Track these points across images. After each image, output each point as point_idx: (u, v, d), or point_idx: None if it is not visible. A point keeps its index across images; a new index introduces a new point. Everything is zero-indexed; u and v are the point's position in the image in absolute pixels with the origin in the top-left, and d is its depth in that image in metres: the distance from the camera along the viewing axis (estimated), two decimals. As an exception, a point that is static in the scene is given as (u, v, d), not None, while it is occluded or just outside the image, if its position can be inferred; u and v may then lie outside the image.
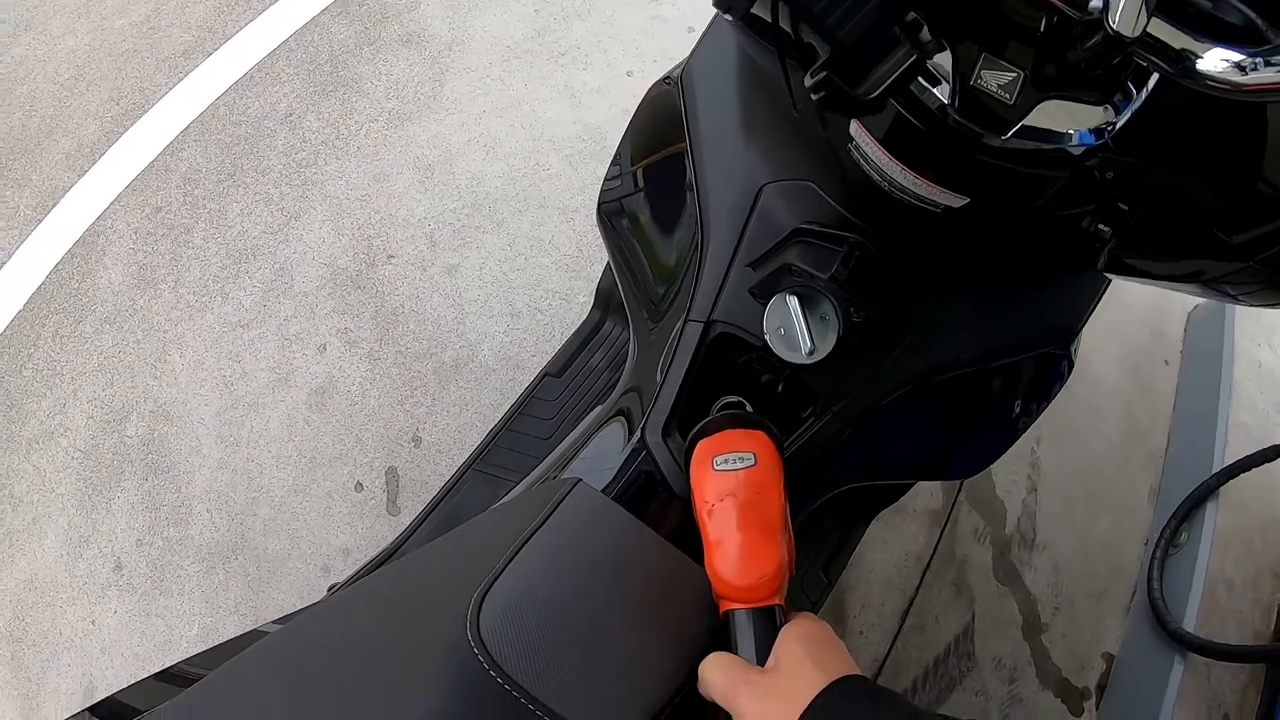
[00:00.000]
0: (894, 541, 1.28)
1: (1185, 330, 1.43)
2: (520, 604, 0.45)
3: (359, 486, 1.28)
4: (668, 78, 0.71)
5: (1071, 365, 0.65)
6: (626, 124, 0.74)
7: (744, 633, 0.44)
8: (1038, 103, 0.36)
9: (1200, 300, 1.43)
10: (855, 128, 0.44)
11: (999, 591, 1.26)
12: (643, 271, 0.69)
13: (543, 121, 1.45)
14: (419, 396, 1.30)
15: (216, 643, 0.60)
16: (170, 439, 1.38)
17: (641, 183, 0.74)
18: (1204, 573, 1.14)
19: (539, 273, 1.34)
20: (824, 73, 0.32)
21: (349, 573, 1.26)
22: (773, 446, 0.49)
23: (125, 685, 0.58)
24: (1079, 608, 1.26)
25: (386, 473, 1.27)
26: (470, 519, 1.04)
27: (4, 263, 1.57)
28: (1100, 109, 0.38)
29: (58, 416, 1.47)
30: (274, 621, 0.75)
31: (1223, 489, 1.18)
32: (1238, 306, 1.33)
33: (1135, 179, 0.42)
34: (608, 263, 1.07)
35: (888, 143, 0.43)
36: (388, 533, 1.24)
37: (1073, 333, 0.63)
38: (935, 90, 0.38)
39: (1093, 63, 0.35)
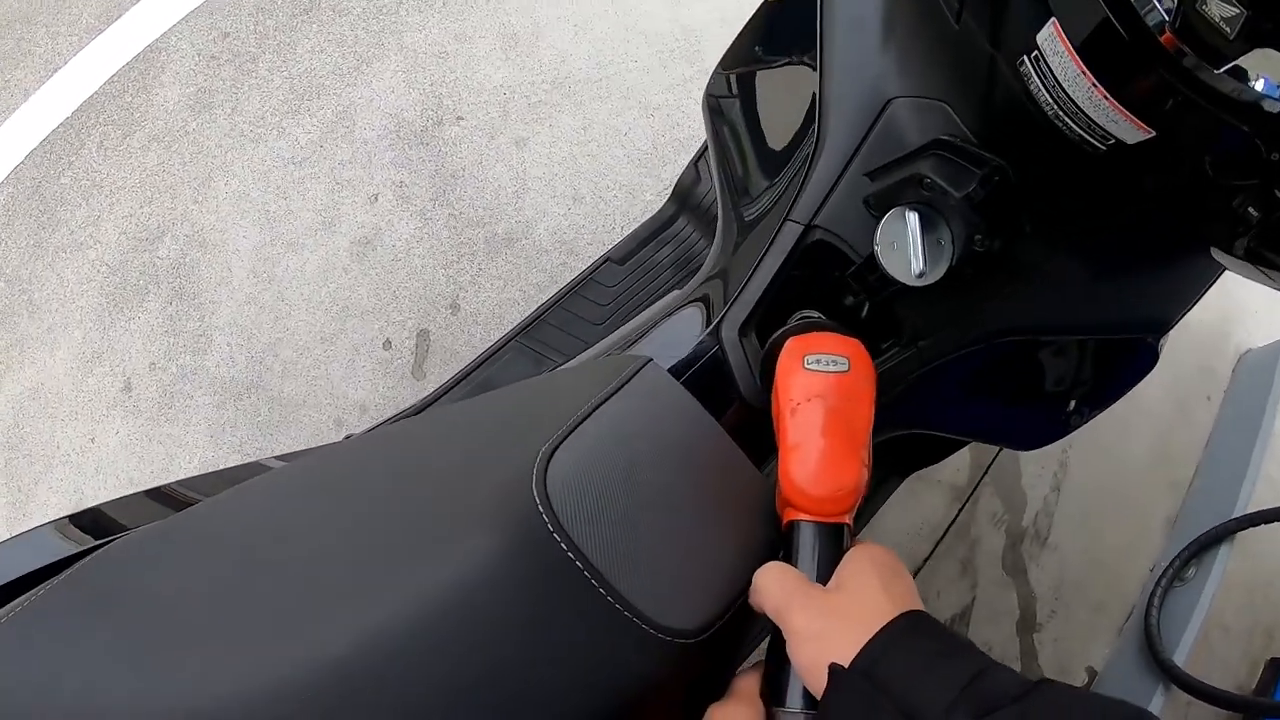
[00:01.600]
0: (913, 507, 1.24)
1: (1234, 371, 1.40)
2: (588, 469, 0.40)
3: (388, 344, 1.23)
4: None
5: (1156, 359, 0.62)
6: (726, 30, 0.70)
7: (806, 547, 0.40)
8: (1253, 47, 0.35)
9: (1256, 344, 1.41)
10: (1049, 34, 0.40)
11: (1003, 580, 1.24)
12: (745, 162, 0.66)
13: (638, 13, 1.38)
14: (464, 263, 1.24)
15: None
16: (202, 266, 1.33)
17: (758, 76, 0.70)
18: (1204, 612, 1.13)
19: (609, 162, 1.27)
20: None
21: (362, 430, 1.21)
22: (868, 357, 0.45)
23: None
24: (1075, 615, 1.24)
25: (418, 335, 1.22)
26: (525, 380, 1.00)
27: (60, 67, 1.52)
28: None
29: (90, 228, 1.42)
30: (277, 457, 0.70)
31: (1239, 535, 1.17)
32: None
33: None
34: (693, 157, 1.02)
35: (1085, 52, 0.39)
36: (410, 395, 1.20)
37: (1169, 324, 0.60)
38: (1157, 5, 0.36)
39: None
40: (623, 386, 0.46)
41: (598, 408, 0.43)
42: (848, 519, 0.41)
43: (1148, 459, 1.31)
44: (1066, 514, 1.28)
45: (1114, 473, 1.30)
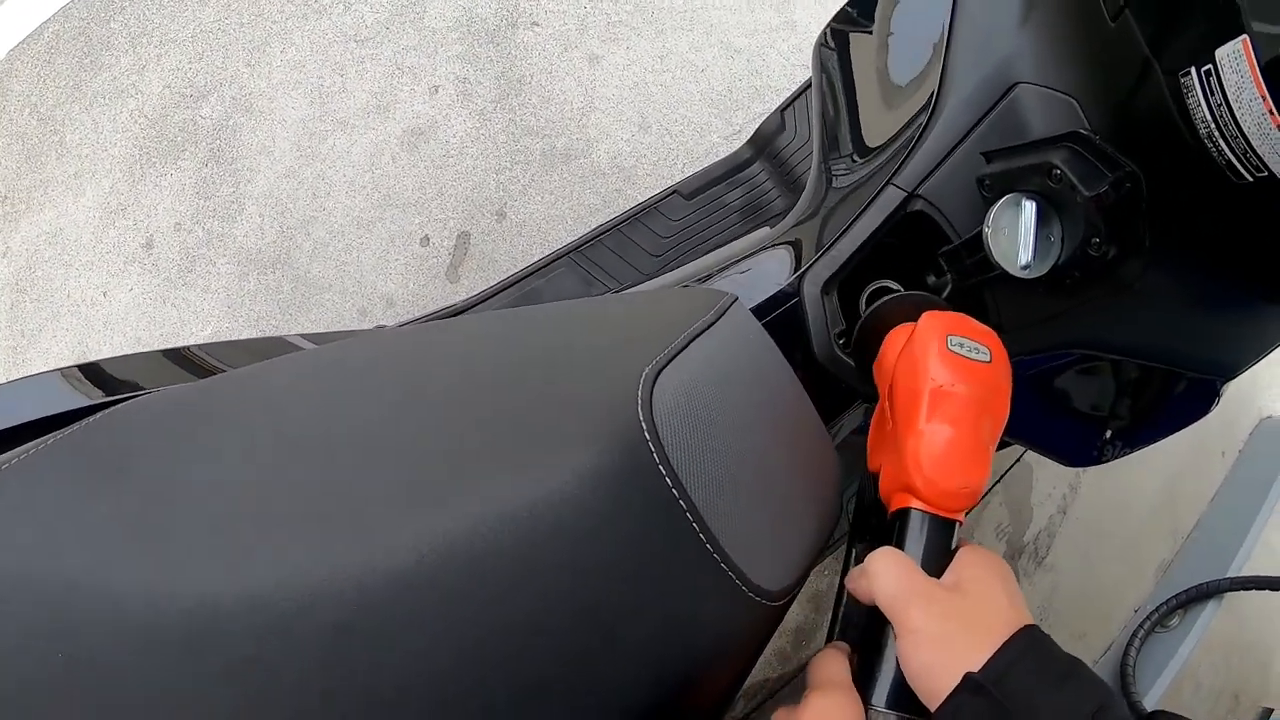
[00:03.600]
0: (922, 506, 1.23)
1: (1252, 434, 1.40)
2: (692, 401, 0.35)
3: (426, 240, 1.19)
4: None
5: (1216, 402, 0.60)
6: None
7: (916, 538, 0.38)
8: None
9: (1277, 412, 1.41)
10: (1232, 51, 0.37)
11: (995, 591, 1.24)
12: (852, 116, 0.65)
13: (735, -50, 1.32)
14: (517, 171, 1.20)
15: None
16: (244, 131, 1.28)
17: (879, 30, 0.68)
18: (1181, 663, 1.13)
19: (682, 96, 1.23)
20: None
21: (387, 324, 1.18)
22: (1006, 353, 0.42)
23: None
24: (1055, 639, 1.22)
25: (459, 236, 1.18)
26: (605, 295, 0.95)
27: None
28: None
29: (133, 76, 1.37)
30: (304, 336, 0.65)
31: (1228, 595, 1.17)
32: None
33: None
34: (779, 107, 0.98)
35: (1270, 75, 0.36)
36: (440, 296, 1.16)
37: (1238, 369, 0.59)
38: None
39: None
40: (717, 320, 0.42)
41: (695, 338, 0.40)
42: (962, 517, 0.39)
43: (1154, 502, 1.30)
44: (1067, 538, 1.27)
45: (1120, 508, 1.29)
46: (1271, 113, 0.37)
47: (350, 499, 0.30)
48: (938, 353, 0.40)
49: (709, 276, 0.60)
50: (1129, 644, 1.15)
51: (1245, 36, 0.36)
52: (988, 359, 0.40)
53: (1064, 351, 0.55)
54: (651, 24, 1.26)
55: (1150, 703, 1.09)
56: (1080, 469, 1.33)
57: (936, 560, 0.37)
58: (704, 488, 0.33)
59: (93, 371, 0.45)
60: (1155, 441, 0.63)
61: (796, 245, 0.58)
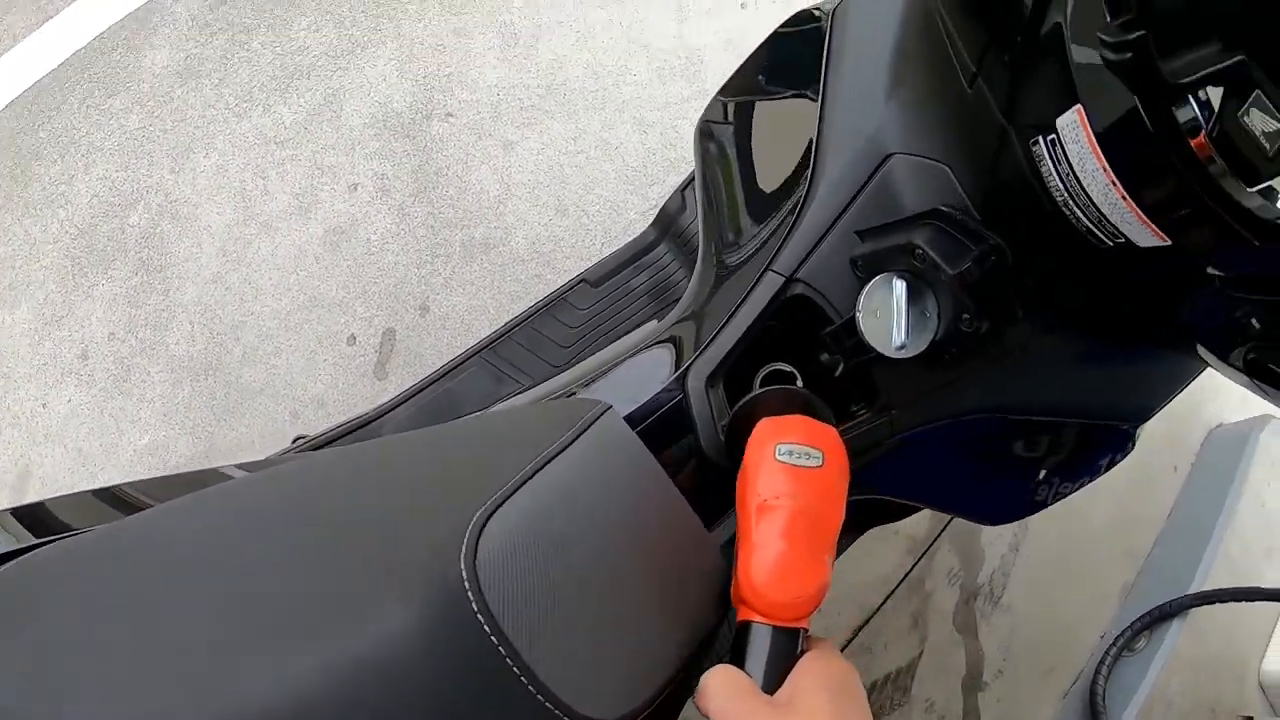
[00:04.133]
0: (868, 557, 1.23)
1: (1202, 445, 1.39)
2: (527, 538, 0.36)
3: (352, 340, 1.20)
4: (818, 9, 0.64)
5: (1132, 446, 0.60)
6: (730, 54, 0.68)
7: (758, 650, 0.39)
8: None
9: (1226, 420, 1.40)
10: (1070, 121, 0.37)
11: (953, 637, 1.22)
12: (730, 203, 0.64)
13: (643, 25, 1.35)
14: (438, 265, 1.22)
15: (165, 460, 0.53)
16: (171, 239, 1.30)
17: (754, 114, 0.68)
18: (1150, 685, 1.12)
19: (597, 175, 1.25)
20: (1141, 32, 0.29)
21: (318, 424, 1.19)
22: (843, 449, 0.43)
23: (60, 494, 0.50)
24: (1022, 678, 1.22)
25: (384, 333, 1.19)
26: (464, 411, 0.95)
27: (51, 16, 1.48)
28: None
29: (63, 186, 1.39)
30: (237, 465, 0.67)
31: (1192, 611, 1.16)
32: (1260, 442, 1.30)
33: None
34: (680, 185, 1.00)
35: (1108, 147, 0.36)
36: (369, 395, 1.17)
37: (1148, 414, 0.58)
38: (1194, 104, 0.33)
39: None
40: (577, 438, 0.43)
41: (547, 463, 0.40)
42: (805, 624, 0.40)
43: (1108, 525, 1.29)
44: (1023, 575, 1.26)
45: (1074, 536, 1.29)
46: (1114, 184, 0.37)
47: (199, 655, 0.32)
48: (766, 464, 0.41)
49: (594, 380, 0.59)
50: (1096, 671, 1.15)
51: (1079, 106, 0.36)
52: (819, 463, 0.41)
53: (971, 418, 0.54)
54: (563, 106, 1.29)
55: None
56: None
57: (780, 671, 0.38)
58: (529, 629, 0.34)
59: (24, 513, 0.47)
60: (1087, 483, 0.63)
61: (681, 339, 0.58)
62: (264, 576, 0.36)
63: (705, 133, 0.70)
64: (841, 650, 1.20)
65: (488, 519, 0.36)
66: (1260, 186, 0.33)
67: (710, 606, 0.42)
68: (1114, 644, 1.16)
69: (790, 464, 0.41)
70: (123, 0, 1.45)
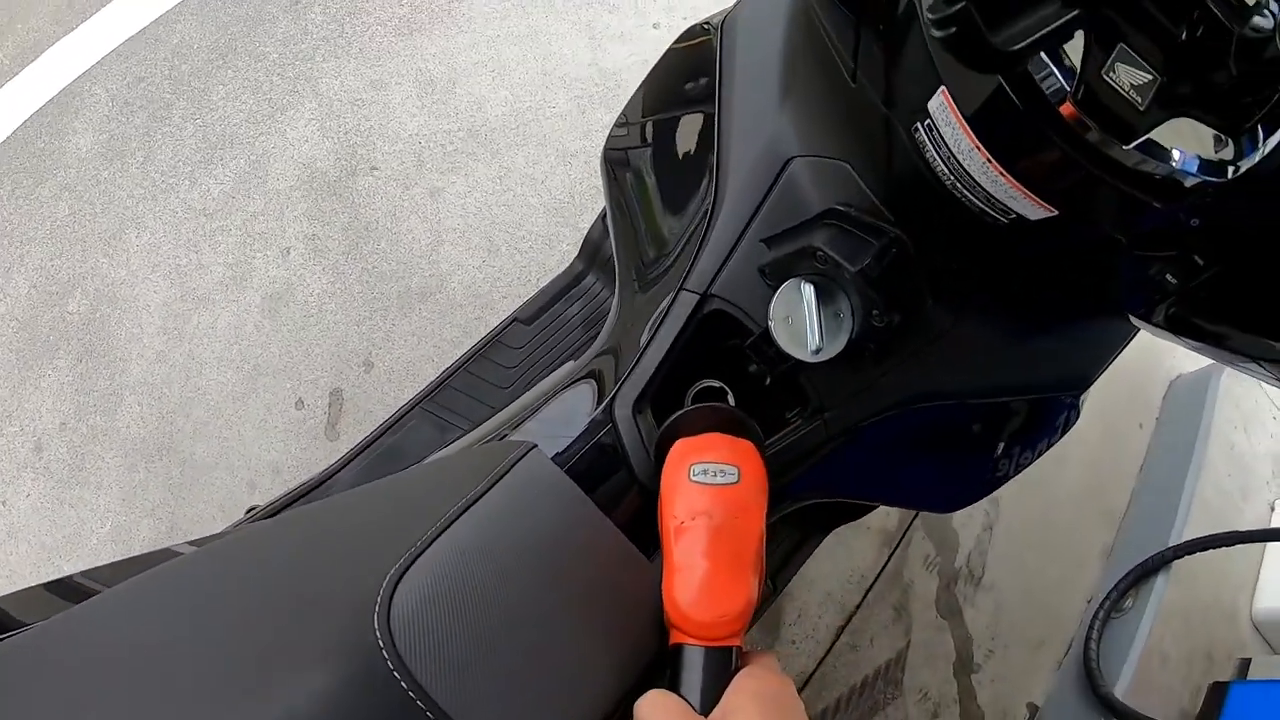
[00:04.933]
0: (842, 555, 1.24)
1: (1165, 398, 1.40)
2: (443, 590, 0.37)
3: (300, 404, 1.20)
4: (708, 23, 0.64)
5: (1077, 416, 0.60)
6: (644, 74, 0.67)
7: (691, 671, 0.39)
8: (1170, 117, 0.31)
9: (1185, 370, 1.42)
10: (939, 103, 0.37)
11: (937, 623, 1.23)
12: (641, 229, 0.63)
13: (557, 58, 1.36)
14: (378, 319, 1.22)
15: (129, 546, 0.53)
16: (112, 322, 1.30)
17: (656, 135, 0.67)
18: (1143, 642, 1.12)
19: (525, 212, 1.26)
20: (963, 3, 0.28)
21: (275, 492, 1.19)
22: (760, 462, 0.42)
23: (10, 590, 0.51)
24: (1013, 653, 1.23)
25: (331, 394, 1.20)
26: (409, 463, 0.95)
27: (-29, 111, 1.47)
28: (1226, 142, 0.32)
29: (0, 280, 1.38)
30: (189, 543, 0.67)
31: (1175, 563, 1.16)
32: (1220, 386, 1.31)
33: (1225, 233, 0.36)
34: (600, 214, 1.01)
35: (977, 123, 0.36)
36: (323, 456, 1.17)
37: (1087, 382, 0.58)
38: (1056, 71, 0.32)
39: (1240, 89, 0.30)
40: (497, 481, 0.43)
41: (465, 510, 0.41)
42: (736, 640, 0.39)
43: (1080, 490, 1.30)
44: (1000, 552, 1.27)
45: (1047, 506, 1.29)
46: (990, 161, 0.36)
47: None
48: (681, 486, 0.41)
49: (522, 421, 0.59)
50: (1087, 637, 1.14)
51: (943, 87, 0.36)
52: (734, 480, 0.41)
53: (911, 408, 0.54)
54: (486, 147, 1.29)
55: (1122, 688, 1.08)
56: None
57: (714, 691, 0.38)
58: (450, 681, 0.34)
59: None
60: (1039, 455, 0.62)
61: (604, 371, 0.57)
62: (188, 659, 0.37)
63: (610, 161, 0.70)
64: (826, 651, 1.21)
65: (402, 575, 0.36)
66: (1138, 142, 0.32)
67: (651, 633, 0.42)
68: (1101, 607, 1.16)
69: (704, 483, 0.41)
70: (43, 88, 1.45)
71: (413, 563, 0.37)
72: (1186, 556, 1.14)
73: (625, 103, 0.70)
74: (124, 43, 1.45)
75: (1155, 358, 1.41)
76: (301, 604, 0.38)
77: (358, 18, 1.41)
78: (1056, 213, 0.37)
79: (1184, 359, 1.43)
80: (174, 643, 0.38)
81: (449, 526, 0.39)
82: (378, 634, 0.34)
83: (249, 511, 0.96)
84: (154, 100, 1.40)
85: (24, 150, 1.42)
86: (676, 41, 0.68)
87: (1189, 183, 0.33)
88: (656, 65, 0.68)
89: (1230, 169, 0.32)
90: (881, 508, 1.28)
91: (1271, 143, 0.32)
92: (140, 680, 0.36)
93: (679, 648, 0.39)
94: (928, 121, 0.38)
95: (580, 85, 1.33)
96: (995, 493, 1.30)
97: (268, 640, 0.37)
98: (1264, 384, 1.36)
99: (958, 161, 0.38)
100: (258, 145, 1.33)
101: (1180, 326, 0.42)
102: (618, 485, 0.51)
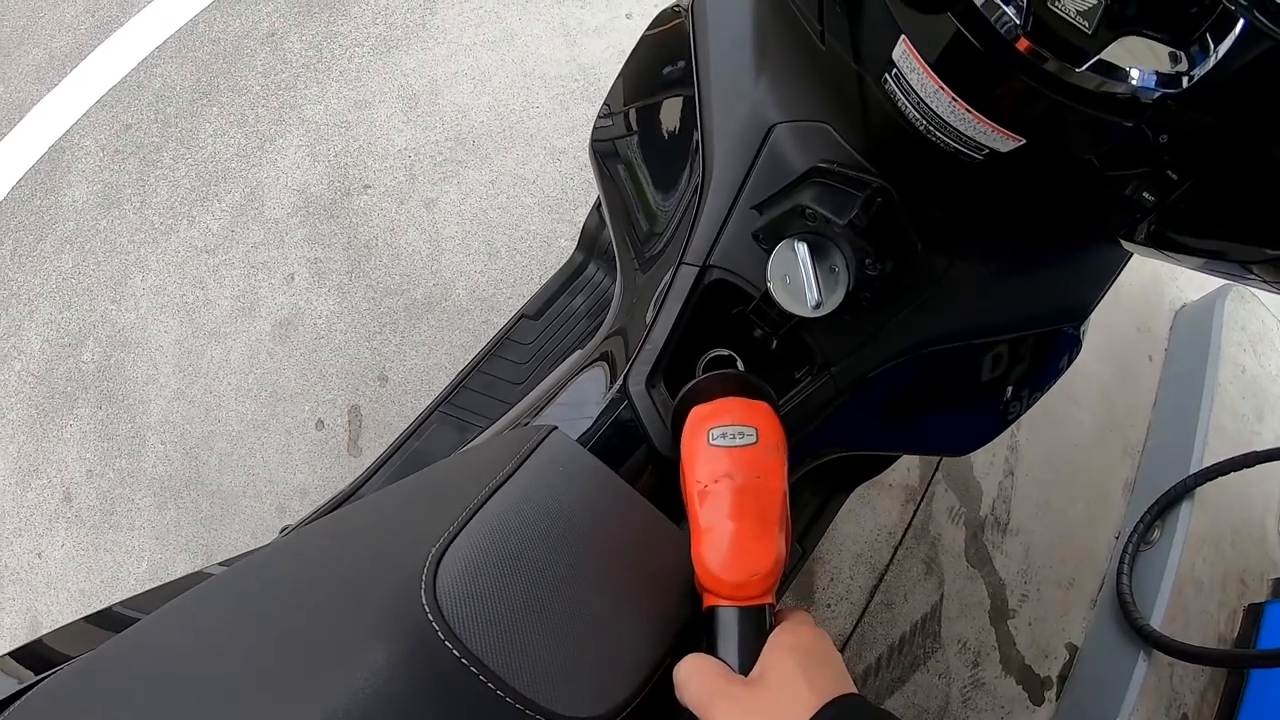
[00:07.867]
0: (868, 515, 1.24)
1: (1172, 328, 1.41)
2: (484, 563, 0.38)
3: (320, 424, 1.22)
4: (678, 6, 0.66)
5: (1079, 346, 0.61)
6: (623, 65, 0.68)
7: (727, 633, 0.39)
8: (1117, 37, 0.33)
9: (1190, 299, 1.42)
10: (902, 51, 0.38)
11: (969, 573, 1.24)
12: (636, 211, 0.64)
13: (535, 58, 1.38)
14: (387, 333, 1.23)
15: (164, 581, 0.54)
16: (127, 366, 1.31)
17: (640, 119, 0.68)
18: (1174, 571, 1.13)
19: (520, 212, 1.27)
20: None
21: (305, 514, 1.20)
22: (777, 422, 0.43)
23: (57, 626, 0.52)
24: (1047, 596, 1.24)
25: (349, 411, 1.21)
26: (434, 464, 0.97)
27: (-35, 177, 1.49)
28: (1179, 55, 0.34)
29: (11, 339, 1.40)
30: (220, 564, 0.69)
31: (1198, 490, 1.16)
32: (1225, 311, 1.31)
33: (1193, 144, 0.37)
34: (594, 204, 1.02)
35: (940, 68, 0.37)
36: (348, 473, 1.19)
37: (1086, 311, 0.59)
38: (1006, 8, 0.33)
39: (1183, 1, 0.31)
40: (523, 463, 0.44)
41: (495, 492, 0.42)
42: (769, 598, 0.40)
43: (1097, 428, 1.31)
44: (1024, 497, 1.28)
45: (1066, 447, 1.30)
46: (955, 100, 0.38)
47: None
48: (701, 451, 0.41)
49: (542, 408, 0.60)
50: (1119, 572, 1.16)
51: (904, 36, 0.38)
52: (753, 440, 0.41)
53: (918, 354, 0.55)
54: (475, 153, 1.31)
55: (1158, 619, 1.09)
56: (1015, 426, 1.35)
57: (751, 650, 0.38)
58: (498, 645, 0.36)
59: (24, 654, 0.48)
60: (1047, 388, 0.63)
61: (614, 353, 0.58)
62: (241, 660, 0.38)
63: (598, 151, 0.71)
64: (862, 611, 1.22)
65: (444, 552, 0.38)
66: (1090, 63, 0.33)
67: (683, 600, 0.43)
68: (1130, 541, 1.18)
69: (724, 446, 0.41)
70: (33, 146, 1.47)
71: (452, 540, 0.38)
72: (1208, 483, 1.16)
73: (605, 94, 0.71)
74: (107, 92, 1.47)
75: (1159, 290, 1.41)
76: (346, 591, 0.40)
77: (334, 41, 1.42)
78: (1025, 141, 0.38)
79: (1188, 288, 1.43)
80: (227, 648, 0.39)
81: (482, 506, 0.41)
82: (426, 608, 0.35)
83: (282, 531, 0.98)
84: (144, 145, 1.42)
85: (21, 209, 1.44)
86: (649, 28, 0.69)
87: (1149, 98, 0.34)
88: (633, 52, 0.70)
89: (1185, 79, 0.34)
90: (901, 463, 1.29)
91: (1222, 49, 0.33)
92: (197, 692, 0.37)
93: (713, 611, 0.40)
94: (895, 71, 0.40)
95: (561, 82, 1.35)
96: (1014, 438, 1.32)
97: (317, 628, 0.38)
98: (1265, 300, 1.37)
99: (927, 105, 0.39)
100: (251, 177, 1.35)
101: (1165, 243, 0.43)
102: (639, 459, 0.52)
